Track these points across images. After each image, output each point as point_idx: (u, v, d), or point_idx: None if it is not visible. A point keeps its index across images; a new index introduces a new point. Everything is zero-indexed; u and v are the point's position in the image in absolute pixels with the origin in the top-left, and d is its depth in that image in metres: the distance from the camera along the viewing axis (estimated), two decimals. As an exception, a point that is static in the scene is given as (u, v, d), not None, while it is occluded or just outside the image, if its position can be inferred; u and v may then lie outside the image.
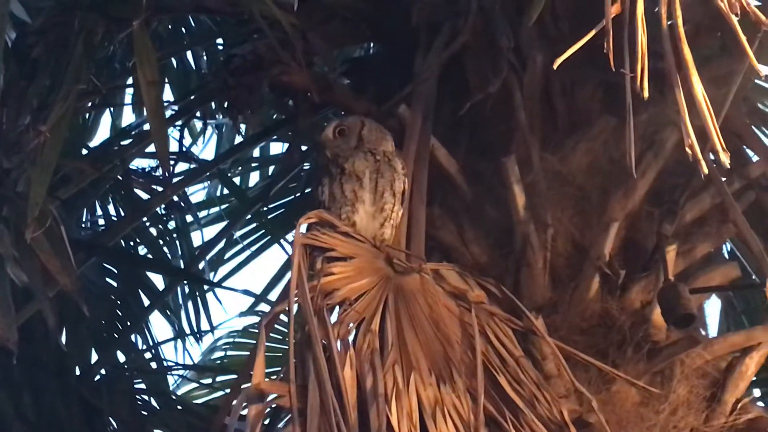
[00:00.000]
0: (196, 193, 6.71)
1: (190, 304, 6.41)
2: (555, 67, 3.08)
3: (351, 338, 3.53)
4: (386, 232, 3.88)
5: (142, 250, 6.42)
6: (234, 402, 5.03)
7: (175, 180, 5.57)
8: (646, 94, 3.01)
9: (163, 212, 6.35)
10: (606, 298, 4.33)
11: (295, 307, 3.53)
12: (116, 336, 6.03)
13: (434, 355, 3.56)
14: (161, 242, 6.42)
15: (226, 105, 4.69)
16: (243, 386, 5.26)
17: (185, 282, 6.37)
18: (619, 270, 4.33)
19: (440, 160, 4.48)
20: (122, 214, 6.08)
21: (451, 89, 4.69)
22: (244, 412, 5.89)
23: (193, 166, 5.76)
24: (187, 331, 6.29)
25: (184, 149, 5.73)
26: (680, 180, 4.56)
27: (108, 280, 6.18)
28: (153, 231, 6.44)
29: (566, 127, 4.63)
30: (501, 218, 4.47)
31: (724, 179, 4.43)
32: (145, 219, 6.18)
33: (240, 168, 6.80)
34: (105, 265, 6.15)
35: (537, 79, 4.61)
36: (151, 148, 5.70)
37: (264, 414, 3.33)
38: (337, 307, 3.61)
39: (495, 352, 3.64)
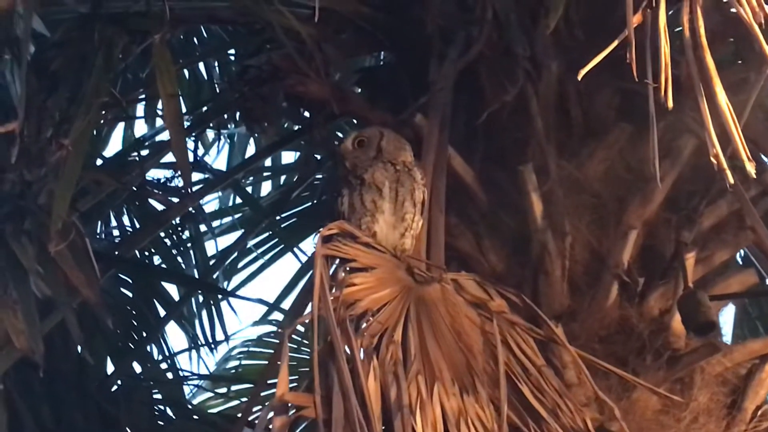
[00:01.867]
0: (210, 202, 6.73)
1: (204, 314, 6.41)
2: (579, 77, 3.07)
3: (373, 349, 3.53)
4: (407, 242, 3.87)
5: (156, 260, 6.42)
6: (252, 411, 5.10)
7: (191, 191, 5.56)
8: (670, 104, 3.01)
9: (178, 222, 6.35)
10: (625, 306, 4.33)
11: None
12: (132, 346, 6.03)
13: (457, 365, 3.56)
14: (175, 252, 6.43)
15: (242, 116, 4.70)
16: (261, 395, 5.33)
17: (200, 292, 6.37)
18: (637, 278, 4.33)
19: (456, 169, 4.48)
20: (137, 224, 6.09)
21: (465, 98, 4.69)
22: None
23: (207, 176, 5.78)
24: (202, 340, 6.29)
25: (198, 160, 5.75)
26: (697, 187, 4.56)
27: (123, 290, 6.18)
28: (167, 241, 6.44)
29: (582, 135, 4.63)
30: (518, 226, 4.47)
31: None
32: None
33: (252, 178, 6.80)
34: (120, 275, 6.15)
35: (552, 86, 4.61)
36: (167, 159, 5.72)
37: (289, 425, 3.31)
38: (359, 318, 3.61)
39: (517, 361, 3.64)
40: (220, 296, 6.42)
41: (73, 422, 5.55)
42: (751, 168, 2.86)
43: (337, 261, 3.73)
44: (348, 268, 3.69)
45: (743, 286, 4.68)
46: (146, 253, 6.37)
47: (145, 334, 6.08)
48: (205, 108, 5.80)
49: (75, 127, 4.00)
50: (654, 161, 3.14)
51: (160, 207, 5.91)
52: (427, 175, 4.11)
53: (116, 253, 5.90)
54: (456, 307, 3.69)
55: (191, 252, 6.47)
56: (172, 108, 4.08)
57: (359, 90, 5.30)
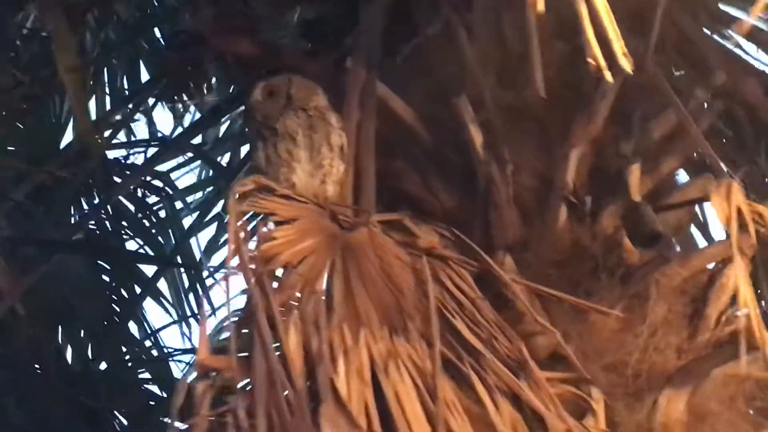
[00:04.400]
0: (182, 177, 6.68)
1: (190, 292, 6.39)
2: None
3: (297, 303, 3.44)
4: (328, 189, 3.77)
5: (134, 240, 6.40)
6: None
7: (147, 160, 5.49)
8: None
9: (153, 202, 6.33)
10: (576, 228, 4.22)
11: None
12: (113, 329, 6.01)
13: (386, 307, 3.47)
14: (153, 231, 6.40)
15: (171, 84, 4.63)
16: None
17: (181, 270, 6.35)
18: (584, 197, 4.21)
19: (396, 111, 4.39)
20: (102, 209, 6.06)
21: (401, 38, 4.58)
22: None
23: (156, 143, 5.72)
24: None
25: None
26: (642, 98, 4.42)
27: (103, 276, 6.15)
28: (145, 222, 6.41)
29: (518, 60, 4.50)
30: (463, 161, 4.37)
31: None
32: (133, 208, 6.17)
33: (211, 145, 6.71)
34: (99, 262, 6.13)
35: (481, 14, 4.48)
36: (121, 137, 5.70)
37: (211, 389, 3.23)
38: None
39: (450, 296, 3.54)
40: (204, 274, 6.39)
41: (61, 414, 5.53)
42: (627, 64, 2.72)
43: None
44: (269, 223, 3.59)
45: (703, 193, 4.53)
46: (123, 235, 6.33)
47: (125, 316, 6.05)
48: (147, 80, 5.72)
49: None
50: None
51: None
52: (351, 118, 4.01)
53: (95, 240, 5.87)
54: (384, 248, 3.60)
55: (169, 231, 6.45)
56: (73, 82, 3.98)
57: (307, 42, 5.18)
